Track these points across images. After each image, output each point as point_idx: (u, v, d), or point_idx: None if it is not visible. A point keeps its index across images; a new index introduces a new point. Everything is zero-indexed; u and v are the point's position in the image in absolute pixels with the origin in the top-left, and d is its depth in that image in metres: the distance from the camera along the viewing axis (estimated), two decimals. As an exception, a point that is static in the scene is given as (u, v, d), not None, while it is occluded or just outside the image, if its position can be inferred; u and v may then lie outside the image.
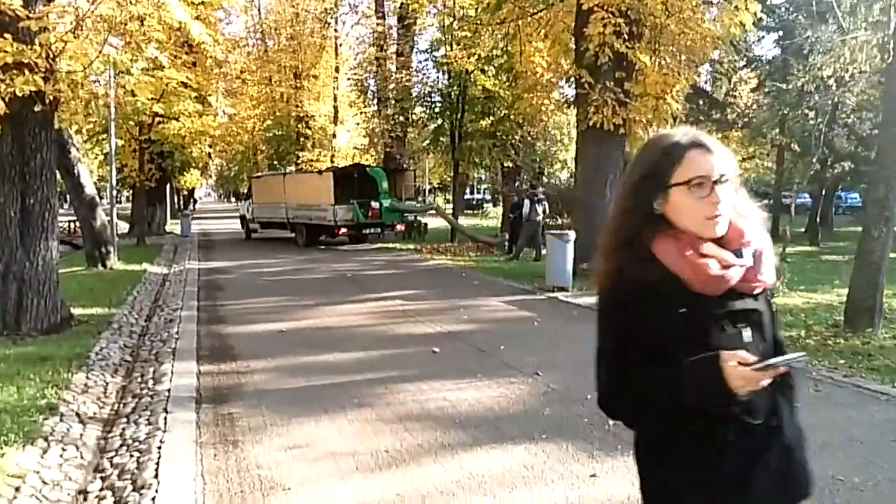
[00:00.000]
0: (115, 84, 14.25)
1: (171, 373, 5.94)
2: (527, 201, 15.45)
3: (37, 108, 6.80)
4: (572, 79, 14.55)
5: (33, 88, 6.24)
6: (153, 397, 5.32)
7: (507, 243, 17.45)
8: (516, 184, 22.90)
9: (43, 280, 7.34)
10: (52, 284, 7.47)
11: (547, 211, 16.13)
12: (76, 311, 8.61)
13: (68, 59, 6.93)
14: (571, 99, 19.03)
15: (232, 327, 8.11)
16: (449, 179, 42.54)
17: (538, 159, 27.14)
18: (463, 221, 21.71)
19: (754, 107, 28.98)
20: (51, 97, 6.61)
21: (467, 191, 44.39)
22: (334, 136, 32.56)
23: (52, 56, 6.72)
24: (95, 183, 38.82)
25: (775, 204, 32.58)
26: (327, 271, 13.74)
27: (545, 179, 26.40)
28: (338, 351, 6.77)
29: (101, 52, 6.45)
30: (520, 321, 8.42)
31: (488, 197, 57.21)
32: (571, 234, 10.72)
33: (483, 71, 19.34)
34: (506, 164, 20.87)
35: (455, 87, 19.46)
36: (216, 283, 12.12)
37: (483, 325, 8.12)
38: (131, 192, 26.47)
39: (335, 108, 32.98)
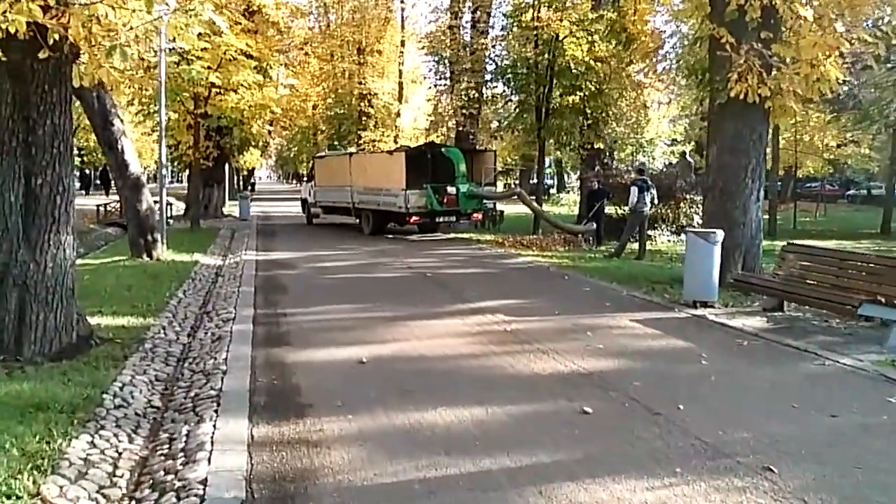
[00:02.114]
0: (166, 51, 12.61)
1: (212, 441, 4.03)
2: (633, 188, 13.11)
3: (42, 56, 4.94)
4: (699, 41, 12.14)
5: (27, 20, 4.36)
6: (180, 495, 3.41)
7: (591, 236, 15.32)
8: (595, 168, 20.47)
9: (52, 287, 5.55)
10: (66, 292, 5.67)
11: (656, 200, 13.75)
12: (104, 320, 6.88)
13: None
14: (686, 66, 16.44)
15: (296, 352, 6.19)
16: (514, 163, 40.16)
17: (615, 140, 24.50)
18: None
19: (863, 85, 25.51)
20: (56, 36, 4.73)
21: (533, 176, 41.57)
22: (398, 114, 30.65)
23: (60, -20, 4.84)
24: (154, 162, 38.11)
25: (884, 196, 28.76)
26: (402, 268, 11.77)
27: (614, 164, 23.63)
28: (445, 404, 4.73)
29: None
30: (678, 357, 6.20)
31: (549, 182, 54.15)
32: (719, 234, 8.39)
33: (577, 37, 16.78)
34: (596, 146, 18.36)
35: (544, 56, 16.98)
36: (277, 280, 10.28)
37: (629, 362, 5.95)
38: (187, 171, 25.18)
39: (400, 84, 31.03)
